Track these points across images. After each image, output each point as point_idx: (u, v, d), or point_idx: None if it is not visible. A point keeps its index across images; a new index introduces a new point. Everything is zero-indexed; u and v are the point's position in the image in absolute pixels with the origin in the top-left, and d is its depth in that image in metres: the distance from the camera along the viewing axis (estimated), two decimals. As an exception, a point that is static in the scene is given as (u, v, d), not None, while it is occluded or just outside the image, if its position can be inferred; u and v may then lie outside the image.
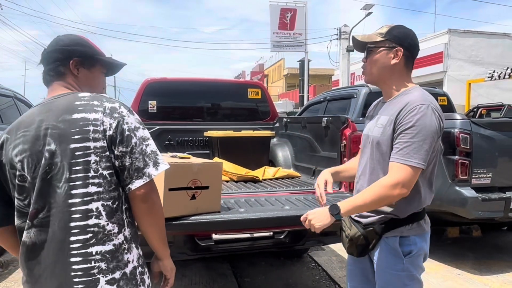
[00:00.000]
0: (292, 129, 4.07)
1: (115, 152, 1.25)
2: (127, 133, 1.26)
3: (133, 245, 1.32)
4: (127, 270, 1.28)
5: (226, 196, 2.64)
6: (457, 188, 3.67)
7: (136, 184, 1.25)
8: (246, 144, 3.75)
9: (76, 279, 1.20)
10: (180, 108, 4.45)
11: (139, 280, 1.31)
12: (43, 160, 1.23)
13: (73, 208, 1.21)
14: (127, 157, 1.26)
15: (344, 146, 2.96)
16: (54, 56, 1.38)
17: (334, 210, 1.53)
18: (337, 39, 16.73)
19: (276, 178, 3.46)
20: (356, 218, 1.72)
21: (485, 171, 3.74)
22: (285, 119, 4.27)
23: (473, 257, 4.24)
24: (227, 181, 3.36)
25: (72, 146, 1.22)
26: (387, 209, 1.61)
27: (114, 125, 1.26)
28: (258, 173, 3.46)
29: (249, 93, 4.56)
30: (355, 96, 5.49)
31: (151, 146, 1.32)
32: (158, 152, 1.33)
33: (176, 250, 2.53)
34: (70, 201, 1.21)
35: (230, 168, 3.45)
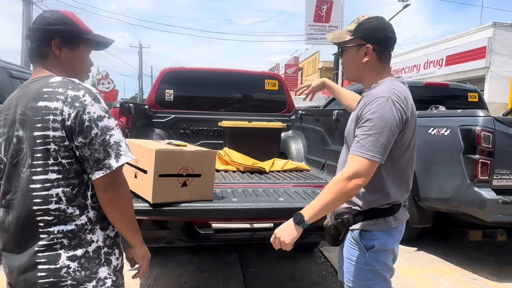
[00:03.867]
0: (307, 122, 4.01)
1: (75, 142, 1.26)
2: (86, 123, 1.25)
3: (98, 227, 1.34)
4: (90, 249, 1.31)
5: (224, 185, 2.65)
6: (476, 189, 3.49)
7: (95, 175, 1.26)
8: (256, 135, 3.73)
9: (40, 254, 1.25)
10: (196, 98, 4.49)
11: (103, 259, 1.34)
12: (11, 144, 1.28)
13: (34, 193, 1.25)
14: (86, 148, 1.26)
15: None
16: (36, 35, 1.38)
17: (298, 219, 1.49)
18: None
19: (284, 171, 3.42)
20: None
21: (508, 172, 3.52)
22: (300, 112, 4.20)
23: (494, 263, 4.03)
24: (233, 171, 3.36)
25: (35, 133, 1.25)
26: (357, 201, 1.60)
27: (73, 115, 1.24)
28: (266, 164, 3.43)
29: (266, 84, 4.53)
30: (378, 90, 5.32)
31: (115, 136, 1.29)
32: (122, 142, 1.31)
33: (173, 236, 2.57)
34: (32, 186, 1.25)
35: (238, 158, 3.45)
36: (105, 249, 1.36)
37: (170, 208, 2.04)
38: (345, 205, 1.62)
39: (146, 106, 4.01)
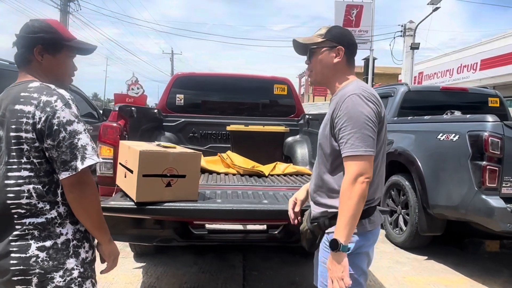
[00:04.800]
0: (313, 126, 4.02)
1: (44, 144, 1.37)
2: (55, 127, 1.35)
3: (68, 221, 1.44)
4: (59, 241, 1.41)
5: (216, 187, 2.71)
6: (484, 196, 3.37)
7: (62, 175, 1.37)
8: (259, 139, 3.78)
9: (13, 243, 1.37)
10: (205, 102, 4.60)
11: (71, 251, 1.43)
12: None
13: (8, 188, 1.38)
14: (54, 150, 1.36)
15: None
16: (21, 43, 1.50)
17: (336, 247, 1.44)
18: (401, 36, 15.90)
19: (284, 174, 3.45)
20: (312, 209, 1.70)
21: (519, 180, 3.38)
22: (307, 116, 4.22)
23: (508, 275, 3.86)
24: (234, 174, 3.42)
25: (11, 134, 1.38)
26: (333, 203, 1.58)
27: (43, 119, 1.35)
28: (267, 168, 3.47)
29: (275, 89, 4.58)
30: (392, 95, 5.24)
31: (83, 140, 1.39)
32: (89, 146, 1.40)
33: (166, 236, 2.66)
34: (6, 181, 1.38)
35: (239, 161, 3.51)
36: (74, 242, 1.45)
37: (154, 207, 2.13)
38: (321, 208, 1.63)
39: (156, 110, 4.15)
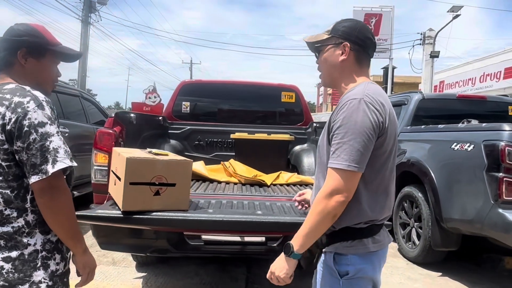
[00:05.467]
0: (320, 135, 3.89)
1: (14, 146, 1.30)
2: (25, 129, 1.29)
3: (38, 231, 1.36)
4: (26, 251, 1.33)
5: (211, 196, 2.62)
6: (501, 210, 3.16)
7: (32, 179, 1.29)
8: (262, 147, 3.68)
9: None
10: (212, 110, 4.54)
11: (39, 263, 1.35)
12: None
13: None
14: (24, 152, 1.29)
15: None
16: (4, 46, 1.46)
17: (288, 251, 1.38)
18: (420, 44, 15.60)
19: (288, 184, 3.33)
20: None
21: (539, 193, 3.15)
22: (315, 124, 4.09)
23: (529, 295, 3.60)
24: (235, 183, 3.33)
25: None
26: None
27: (13, 120, 1.29)
28: (270, 177, 3.36)
29: (282, 96, 4.48)
30: (406, 103, 5.06)
31: (55, 142, 1.32)
32: (61, 149, 1.33)
33: (159, 246, 2.57)
34: None
35: (241, 170, 3.41)
36: (44, 253, 1.37)
37: (140, 216, 2.04)
38: None
39: (160, 117, 4.11)
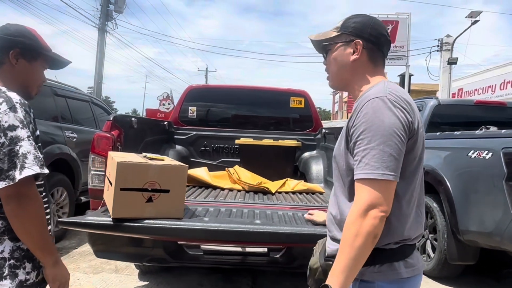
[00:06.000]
0: (329, 141, 3.75)
1: None
2: None
3: (7, 237, 1.29)
4: None
5: (208, 204, 2.51)
6: (522, 223, 2.94)
7: None
8: (268, 153, 3.55)
9: None
10: (218, 115, 4.45)
11: (6, 272, 1.28)
12: None
13: None
14: None
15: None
16: None
17: None
18: (437, 50, 15.26)
19: (293, 192, 3.19)
20: (328, 244, 1.33)
21: None
22: (324, 130, 3.95)
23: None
24: (239, 190, 3.21)
25: None
26: None
27: None
28: (275, 185, 3.23)
29: (291, 101, 4.36)
30: (421, 109, 4.86)
31: (25, 147, 1.25)
32: (30, 155, 1.25)
33: (155, 255, 2.47)
34: None
35: (246, 177, 3.30)
36: (12, 261, 1.29)
37: (131, 224, 1.94)
38: (338, 245, 1.21)
39: (166, 123, 4.03)
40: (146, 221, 1.96)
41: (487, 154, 3.29)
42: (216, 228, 1.94)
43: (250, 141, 3.63)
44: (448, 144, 3.99)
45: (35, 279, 1.33)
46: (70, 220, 1.97)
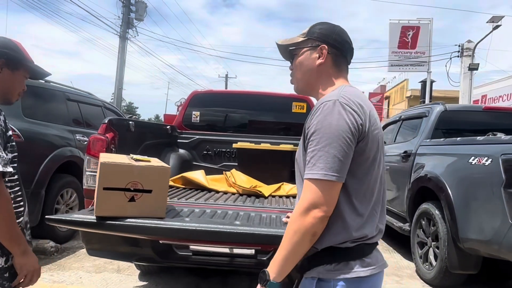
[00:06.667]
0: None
1: None
2: None
3: None
4: None
5: (195, 205, 2.56)
6: (520, 231, 2.87)
7: None
8: (264, 157, 3.59)
9: None
10: (221, 120, 4.52)
11: None
12: None
13: None
14: None
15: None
16: None
17: (263, 280, 1.19)
18: (458, 56, 14.94)
19: (287, 196, 3.21)
20: None
21: None
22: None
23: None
24: (233, 193, 3.25)
25: None
26: None
27: None
28: (269, 188, 3.26)
29: (293, 106, 4.39)
30: (427, 115, 4.81)
31: None
32: None
33: (144, 254, 2.53)
34: None
35: (240, 180, 3.34)
36: None
37: (113, 222, 2.02)
38: None
39: (168, 127, 4.13)
40: (128, 220, 2.03)
41: (486, 160, 3.22)
42: (194, 228, 1.98)
43: (247, 145, 3.68)
44: (451, 150, 3.93)
45: (3, 264, 1.43)
46: (56, 217, 2.07)
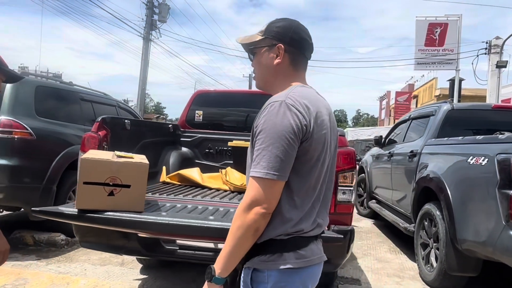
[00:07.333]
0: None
1: None
2: None
3: None
4: None
5: (178, 201, 2.64)
6: (512, 233, 2.79)
7: None
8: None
9: None
10: (224, 119, 4.59)
11: None
12: None
13: None
14: None
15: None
16: None
17: (209, 276, 1.24)
18: (485, 53, 14.41)
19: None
20: None
21: (562, 215, 2.74)
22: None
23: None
24: (225, 190, 3.32)
25: None
26: None
27: None
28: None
29: None
30: (433, 114, 4.71)
31: None
32: None
33: (131, 247, 2.64)
34: None
35: (234, 178, 3.41)
36: None
37: (92, 215, 2.13)
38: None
39: (170, 125, 4.25)
40: (107, 213, 2.13)
41: (483, 160, 3.15)
42: (166, 222, 2.07)
43: (241, 143, 3.73)
44: (452, 150, 3.85)
45: None
46: (41, 209, 2.20)
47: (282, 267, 1.23)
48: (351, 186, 2.61)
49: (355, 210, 7.87)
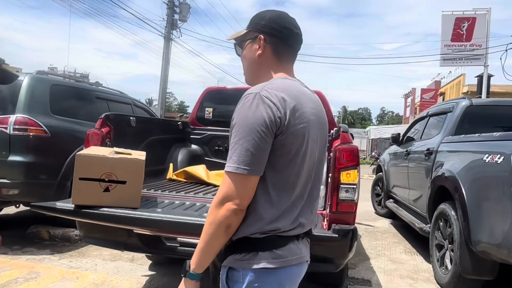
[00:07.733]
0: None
1: None
2: None
3: None
4: None
5: (178, 198, 2.63)
6: (529, 235, 2.63)
7: None
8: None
9: None
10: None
11: None
12: None
13: None
14: None
15: (329, 160, 2.55)
16: None
17: (184, 271, 1.22)
18: (514, 48, 13.79)
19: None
20: None
21: None
22: (335, 129, 3.87)
23: None
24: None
25: None
26: None
27: None
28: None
29: None
30: (451, 110, 4.53)
31: None
32: None
33: (131, 243, 2.64)
34: None
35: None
36: None
37: (88, 211, 2.14)
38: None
39: (179, 123, 4.25)
40: (102, 208, 2.14)
41: (499, 158, 2.99)
42: (159, 218, 2.05)
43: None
44: (468, 147, 3.68)
45: None
46: (39, 204, 2.23)
47: (256, 266, 1.18)
48: (354, 184, 2.53)
49: (372, 210, 7.71)
